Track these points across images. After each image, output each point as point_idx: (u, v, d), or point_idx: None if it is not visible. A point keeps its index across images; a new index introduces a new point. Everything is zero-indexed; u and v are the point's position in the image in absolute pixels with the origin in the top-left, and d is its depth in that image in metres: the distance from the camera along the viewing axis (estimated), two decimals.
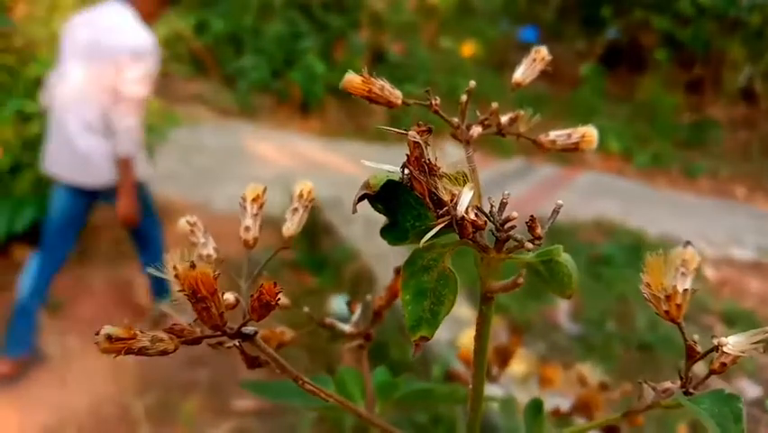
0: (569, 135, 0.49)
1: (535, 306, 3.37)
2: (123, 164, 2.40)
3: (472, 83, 0.46)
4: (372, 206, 0.40)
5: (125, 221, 2.53)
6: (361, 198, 0.40)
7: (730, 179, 8.04)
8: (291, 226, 0.47)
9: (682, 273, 0.44)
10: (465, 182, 0.35)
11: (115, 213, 2.53)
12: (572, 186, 6.73)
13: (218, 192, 4.25)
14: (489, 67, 9.16)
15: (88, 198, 2.51)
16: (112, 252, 3.40)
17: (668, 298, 0.39)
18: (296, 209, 0.47)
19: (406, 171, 0.36)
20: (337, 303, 3.12)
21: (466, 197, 0.35)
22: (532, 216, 0.38)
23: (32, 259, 2.53)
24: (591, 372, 0.52)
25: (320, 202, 4.38)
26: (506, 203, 0.38)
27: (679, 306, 0.40)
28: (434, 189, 0.35)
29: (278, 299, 0.38)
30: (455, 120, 0.47)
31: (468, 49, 8.67)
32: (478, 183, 0.41)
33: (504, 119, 0.49)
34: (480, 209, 0.37)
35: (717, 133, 8.99)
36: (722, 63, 9.59)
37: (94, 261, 3.34)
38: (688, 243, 0.45)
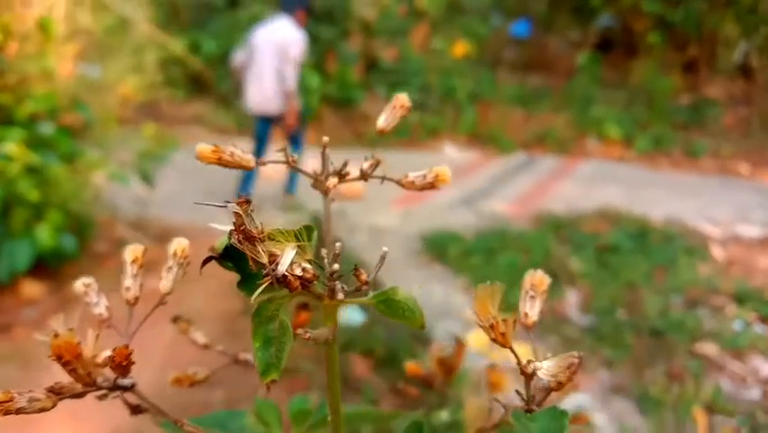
0: (424, 176, 0.52)
1: (544, 301, 3.37)
2: (290, 96, 4.41)
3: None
4: (223, 265, 0.43)
5: (289, 130, 4.54)
6: (206, 261, 0.43)
7: (733, 157, 8.01)
8: (167, 284, 0.49)
9: (531, 297, 0.46)
10: (297, 240, 0.39)
11: (283, 127, 4.55)
12: (575, 176, 6.72)
13: (220, 213, 4.26)
14: (484, 65, 9.17)
15: (270, 121, 4.58)
16: (116, 280, 3.41)
17: (492, 327, 0.40)
18: (170, 268, 0.49)
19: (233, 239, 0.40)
20: (346, 313, 3.13)
21: (287, 257, 0.38)
22: (356, 265, 0.41)
23: None
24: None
25: (322, 214, 4.40)
26: (338, 254, 0.42)
27: (503, 334, 0.40)
28: (254, 254, 0.38)
29: (130, 361, 0.42)
30: (314, 171, 0.50)
31: (460, 48, 8.68)
32: (329, 231, 0.48)
33: (366, 165, 0.52)
34: (315, 262, 0.41)
35: (716, 111, 8.96)
36: (716, 41, 9.56)
37: (100, 291, 3.36)
38: (541, 270, 0.47)
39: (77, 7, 4.77)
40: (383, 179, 0.51)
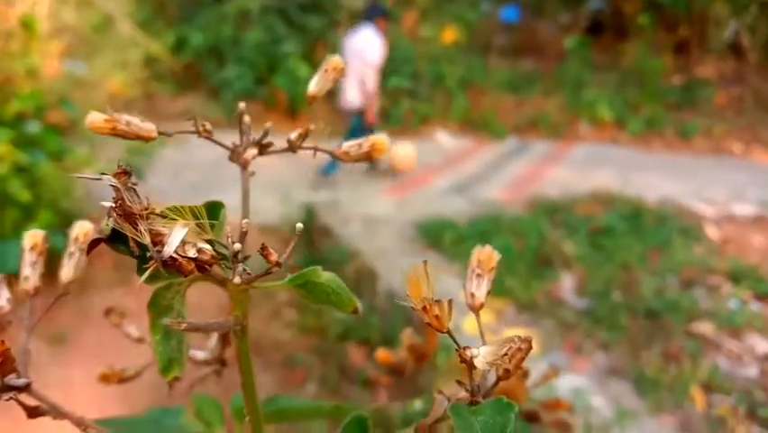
0: (360, 146, 0.47)
1: (539, 284, 3.36)
2: (369, 96, 5.09)
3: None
4: (113, 248, 0.37)
5: (370, 124, 5.12)
6: (93, 244, 0.38)
7: (726, 136, 8.01)
8: (68, 272, 0.45)
9: (477, 275, 0.42)
10: (190, 218, 0.34)
11: (366, 120, 5.16)
12: (568, 160, 6.70)
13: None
14: (474, 51, 9.13)
15: (358, 113, 5.19)
16: (110, 278, 3.39)
17: (425, 309, 0.37)
18: (72, 253, 0.45)
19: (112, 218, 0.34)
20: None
21: (176, 236, 0.33)
22: (263, 244, 0.35)
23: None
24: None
25: (316, 205, 4.38)
26: (245, 231, 0.37)
27: (438, 317, 0.37)
28: (135, 234, 0.34)
29: (10, 358, 0.38)
30: (232, 142, 0.46)
31: (449, 35, 8.63)
32: (247, 211, 0.42)
33: (293, 135, 0.47)
34: (216, 242, 0.36)
35: (707, 91, 8.95)
36: (706, 21, 9.53)
37: (92, 289, 3.34)
38: (487, 244, 0.43)
39: (61, 4, 4.73)
40: (314, 149, 0.47)
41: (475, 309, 0.42)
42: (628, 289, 3.38)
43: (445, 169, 5.98)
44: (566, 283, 3.45)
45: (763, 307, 3.29)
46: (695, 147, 7.73)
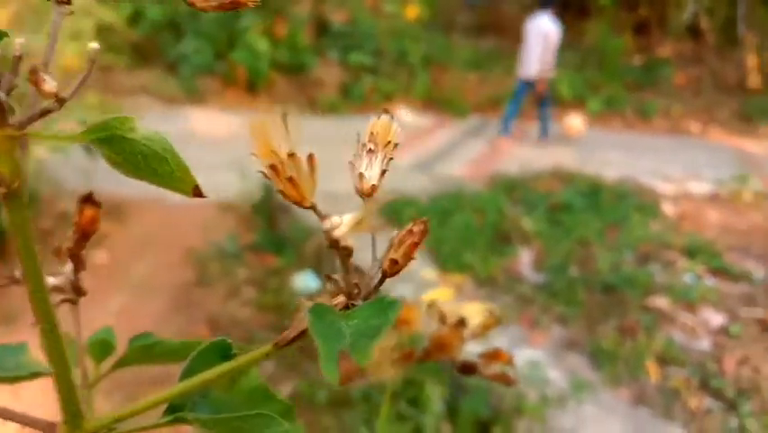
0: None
1: (498, 260, 3.37)
2: (546, 70, 6.26)
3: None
4: None
5: (541, 91, 6.42)
6: None
7: (684, 116, 8.13)
8: None
9: (369, 150, 0.34)
10: None
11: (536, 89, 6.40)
12: (529, 137, 6.74)
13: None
14: (437, 28, 9.08)
15: (528, 85, 6.41)
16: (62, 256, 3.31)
17: (275, 169, 0.28)
18: None
19: None
20: (301, 280, 3.09)
21: None
22: (33, 66, 0.27)
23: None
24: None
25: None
26: (19, 56, 0.27)
27: (293, 180, 0.28)
28: None
29: None
30: None
31: (412, 11, 8.57)
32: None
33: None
34: None
35: (667, 71, 9.06)
36: (665, 2, 9.62)
37: (45, 267, 3.25)
38: (385, 110, 0.35)
39: None
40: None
41: (365, 194, 0.34)
42: (585, 264, 3.41)
43: (407, 146, 5.96)
44: (524, 259, 3.47)
45: (717, 281, 3.35)
46: (654, 126, 7.83)
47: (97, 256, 3.39)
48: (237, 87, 6.93)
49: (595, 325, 2.85)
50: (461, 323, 0.42)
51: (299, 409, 2.36)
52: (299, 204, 0.29)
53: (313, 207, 0.30)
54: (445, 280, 3.17)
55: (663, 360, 2.63)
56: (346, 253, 0.29)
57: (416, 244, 0.29)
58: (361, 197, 0.34)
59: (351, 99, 7.32)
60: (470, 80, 8.32)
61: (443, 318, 0.40)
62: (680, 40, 9.64)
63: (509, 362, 0.45)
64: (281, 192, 0.29)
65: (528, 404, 2.20)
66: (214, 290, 3.18)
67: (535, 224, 3.83)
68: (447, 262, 3.32)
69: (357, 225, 0.28)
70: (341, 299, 0.31)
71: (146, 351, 0.41)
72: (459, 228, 3.70)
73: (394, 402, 2.13)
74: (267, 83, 7.01)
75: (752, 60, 8.79)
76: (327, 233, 0.28)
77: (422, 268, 3.31)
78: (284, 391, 2.36)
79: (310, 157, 0.29)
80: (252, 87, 6.95)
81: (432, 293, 3.02)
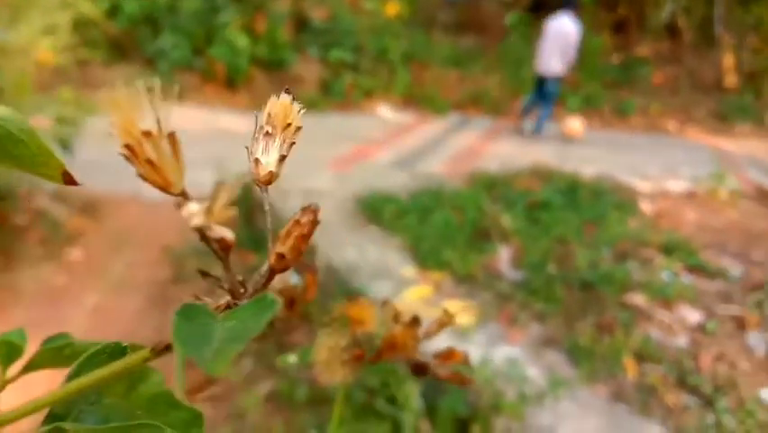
0: None
1: (477, 257, 3.37)
2: (567, 66, 6.46)
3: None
4: None
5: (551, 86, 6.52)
6: None
7: (661, 115, 8.20)
8: None
9: (267, 133, 0.31)
10: None
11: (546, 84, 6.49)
12: (509, 135, 6.76)
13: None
14: (417, 25, 9.08)
15: (545, 80, 6.45)
16: (37, 253, 3.26)
17: (131, 149, 0.24)
18: None
19: None
20: (279, 278, 3.06)
21: None
22: None
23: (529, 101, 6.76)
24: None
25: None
26: None
27: (152, 163, 0.24)
28: None
29: None
30: None
31: (392, 8, 8.56)
32: None
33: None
34: None
35: (645, 70, 9.13)
36: (644, 1, 9.69)
37: (20, 264, 3.20)
38: (287, 90, 0.32)
39: None
40: None
41: (261, 181, 0.32)
42: (564, 261, 3.42)
43: (387, 143, 5.95)
44: (503, 256, 3.47)
45: (693, 279, 3.38)
46: (631, 124, 7.89)
47: (72, 253, 3.35)
48: (216, 82, 6.88)
49: (573, 322, 2.86)
50: (415, 322, 0.40)
51: (278, 408, 2.35)
52: (165, 190, 0.26)
53: (182, 194, 0.26)
54: (424, 278, 3.16)
55: (641, 357, 2.64)
56: (222, 245, 0.26)
57: (304, 237, 0.27)
58: (257, 185, 0.31)
59: (331, 96, 7.30)
60: (450, 78, 8.33)
61: (396, 317, 0.38)
62: (658, 39, 9.72)
63: (465, 361, 0.43)
64: (140, 176, 0.25)
65: (506, 402, 2.20)
66: (191, 288, 3.15)
67: (515, 221, 3.84)
68: (426, 260, 3.32)
69: (211, 213, 0.25)
70: (225, 299, 0.28)
71: (57, 353, 0.38)
72: (438, 225, 3.70)
73: (372, 400, 2.12)
74: (246, 79, 6.96)
75: (728, 60, 8.88)
76: (198, 228, 0.25)
77: (401, 265, 3.31)
78: (262, 389, 2.35)
79: (170, 135, 0.25)
80: (231, 83, 6.90)
81: (411, 291, 3.02)
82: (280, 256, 0.28)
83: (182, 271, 3.24)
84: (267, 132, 0.32)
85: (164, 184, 0.26)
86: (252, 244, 3.46)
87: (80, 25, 6.03)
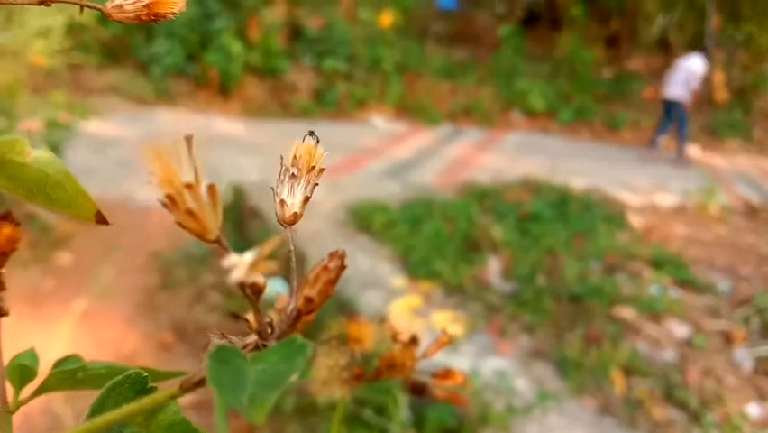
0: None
1: (467, 268, 3.38)
2: (692, 97, 7.14)
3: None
4: None
5: (679, 112, 7.10)
6: None
7: (652, 129, 8.24)
8: None
9: (293, 175, 0.32)
10: None
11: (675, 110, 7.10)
12: (500, 147, 6.78)
13: (139, 185, 4.10)
14: (411, 36, 9.11)
15: (673, 105, 7.08)
16: (25, 257, 3.24)
17: (171, 199, 0.25)
18: None
19: None
20: (270, 287, 3.06)
21: None
22: None
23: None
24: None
25: (245, 186, 4.29)
26: None
27: (192, 213, 0.25)
28: None
29: None
30: None
31: (386, 19, 8.59)
32: None
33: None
34: None
35: (636, 84, 9.19)
36: (636, 16, 9.77)
37: (8, 267, 3.18)
38: (311, 132, 0.33)
39: None
40: None
41: (286, 222, 0.32)
42: (553, 273, 3.43)
43: (380, 152, 5.96)
44: (493, 267, 3.48)
45: (682, 293, 3.40)
46: (622, 138, 7.94)
47: (61, 258, 3.33)
48: (209, 88, 6.88)
49: (561, 334, 2.87)
50: (414, 341, 0.40)
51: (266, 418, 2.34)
52: (201, 238, 0.26)
53: (218, 242, 0.27)
54: (415, 288, 3.17)
55: (628, 370, 2.65)
56: (254, 290, 0.26)
57: (332, 282, 0.27)
58: (281, 225, 0.31)
59: (324, 105, 7.31)
60: (442, 88, 8.36)
61: (395, 336, 0.38)
62: (649, 53, 9.79)
63: (463, 383, 0.43)
64: (179, 224, 0.26)
65: (494, 413, 2.21)
66: (179, 295, 3.14)
67: (505, 233, 3.85)
68: (417, 270, 3.32)
69: (256, 266, 0.25)
70: (252, 339, 0.28)
71: (69, 376, 0.38)
72: (429, 236, 3.71)
73: (360, 410, 2.11)
74: (239, 86, 6.96)
75: (718, 76, 8.95)
76: (228, 273, 0.26)
77: (392, 275, 3.31)
78: None
79: (210, 187, 0.26)
80: (224, 89, 6.90)
81: (400, 301, 3.02)
82: (308, 300, 0.28)
83: (170, 277, 3.23)
84: (292, 174, 0.32)
85: (201, 232, 0.26)
86: (241, 252, 3.45)
87: (74, 29, 6.02)
